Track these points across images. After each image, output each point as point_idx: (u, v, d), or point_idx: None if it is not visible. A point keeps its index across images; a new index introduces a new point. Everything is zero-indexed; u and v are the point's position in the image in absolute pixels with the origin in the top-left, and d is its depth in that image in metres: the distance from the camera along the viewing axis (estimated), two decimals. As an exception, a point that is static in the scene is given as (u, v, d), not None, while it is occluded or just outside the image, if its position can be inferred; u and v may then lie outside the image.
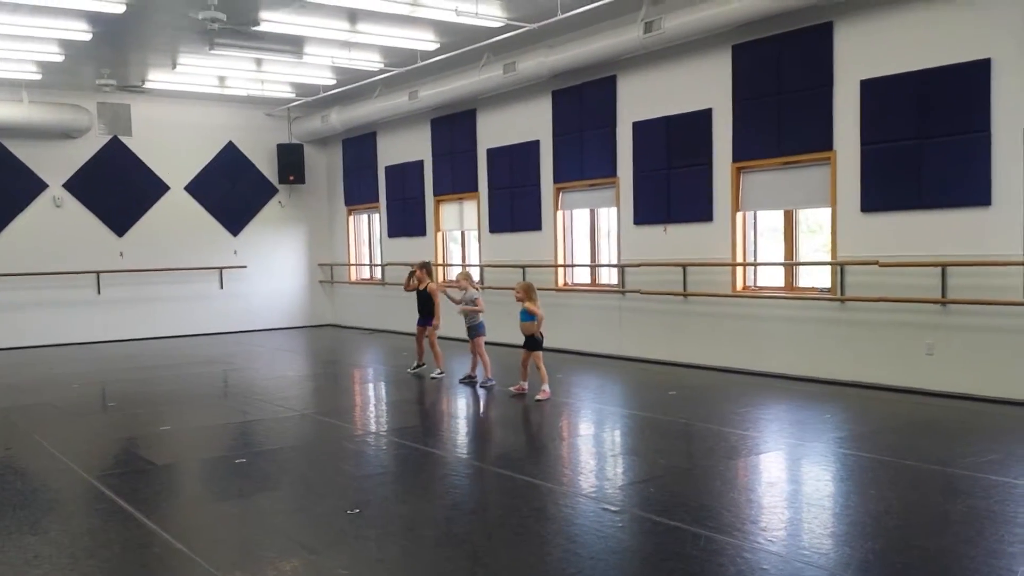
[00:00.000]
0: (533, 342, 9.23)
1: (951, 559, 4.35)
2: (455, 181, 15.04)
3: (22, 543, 4.88)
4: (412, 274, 11.11)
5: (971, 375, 8.48)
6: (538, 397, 8.96)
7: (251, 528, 5.18)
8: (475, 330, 10.06)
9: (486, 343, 10.16)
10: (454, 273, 15.66)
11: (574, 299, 12.88)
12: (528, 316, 9.19)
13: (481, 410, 9.05)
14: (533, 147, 13.32)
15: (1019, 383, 8.13)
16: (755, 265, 10.68)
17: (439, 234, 15.74)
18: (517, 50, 12.37)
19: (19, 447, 7.50)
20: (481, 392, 9.70)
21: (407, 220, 16.27)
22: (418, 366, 11.09)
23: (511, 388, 9.36)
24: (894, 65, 8.89)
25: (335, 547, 4.73)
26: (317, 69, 13.94)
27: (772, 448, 6.94)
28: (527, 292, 9.26)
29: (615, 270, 12.29)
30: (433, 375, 10.65)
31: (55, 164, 15.44)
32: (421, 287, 10.93)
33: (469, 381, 10.09)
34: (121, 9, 10.10)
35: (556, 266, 13.13)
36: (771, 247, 10.70)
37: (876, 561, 4.32)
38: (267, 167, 17.60)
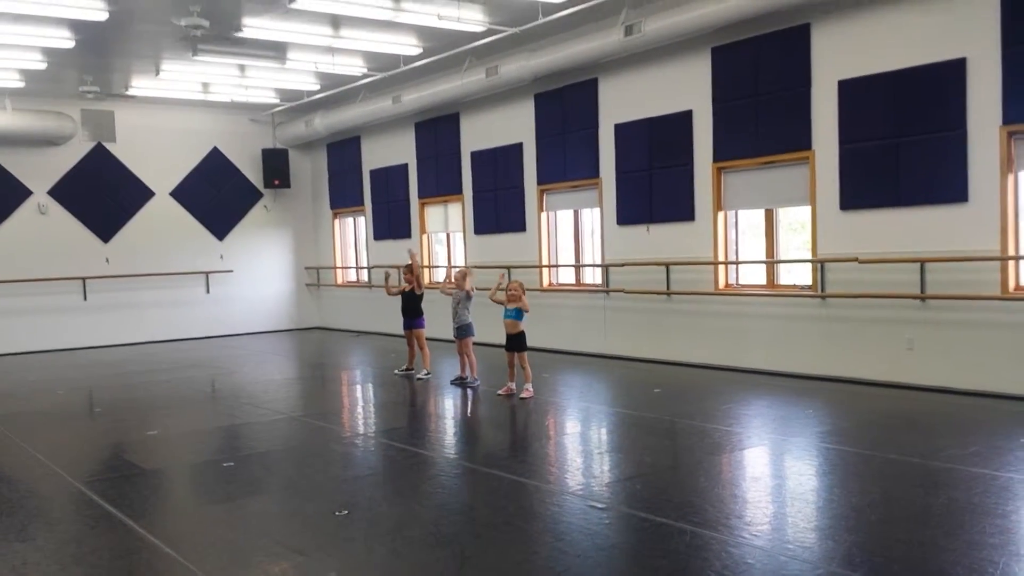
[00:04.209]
0: (519, 342, 9.25)
1: (933, 551, 4.42)
2: (439, 184, 15.08)
3: (9, 550, 4.88)
4: (387, 277, 11.23)
5: (950, 369, 8.59)
6: (522, 395, 9.01)
7: (240, 531, 5.20)
8: (463, 331, 10.08)
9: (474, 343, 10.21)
10: (440, 274, 15.72)
11: (559, 299, 12.94)
12: (512, 314, 9.20)
13: (468, 410, 9.09)
14: (516, 149, 13.38)
15: (997, 376, 8.24)
16: (737, 263, 10.77)
17: (424, 236, 15.77)
18: (499, 54, 12.43)
19: (5, 453, 7.48)
20: (468, 393, 9.73)
21: (392, 223, 16.30)
22: (407, 369, 11.11)
23: (499, 391, 9.38)
24: (871, 65, 8.99)
25: (324, 549, 4.76)
26: (301, 74, 13.95)
27: (756, 444, 7.01)
28: (523, 289, 9.29)
29: (599, 270, 12.36)
30: (419, 376, 10.67)
31: (39, 171, 15.39)
32: (409, 288, 10.93)
33: (460, 382, 10.11)
34: (104, 16, 10.10)
35: (541, 266, 13.19)
36: (752, 245, 10.79)
37: (859, 554, 4.38)
38: (252, 172, 17.59)
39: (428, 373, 10.69)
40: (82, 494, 6.03)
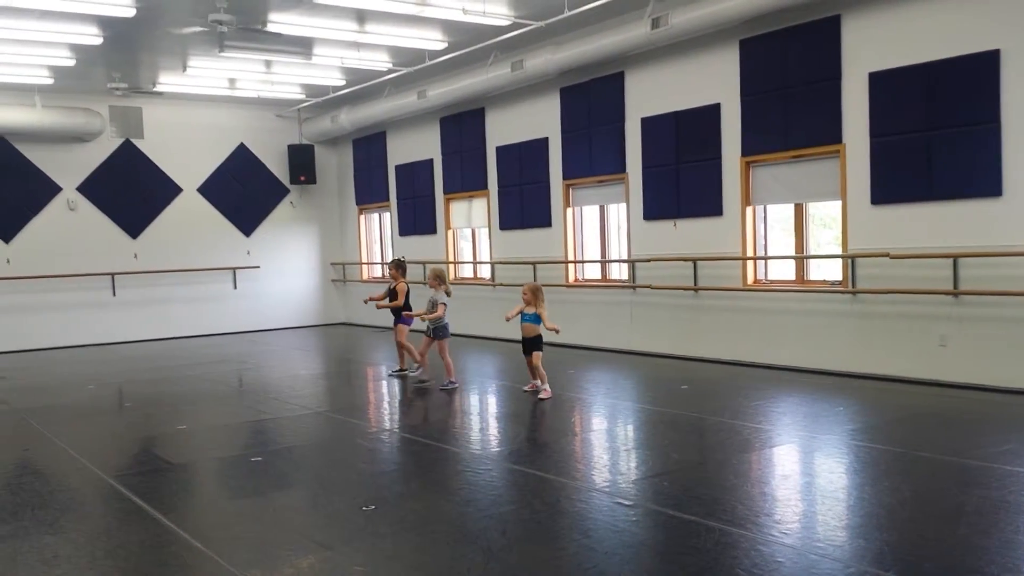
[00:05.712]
0: (534, 344, 9.02)
1: (966, 550, 4.35)
2: (465, 179, 15.07)
3: (41, 543, 4.93)
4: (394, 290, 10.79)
5: (984, 366, 8.45)
6: (540, 396, 8.92)
7: (268, 526, 5.22)
8: (440, 331, 9.82)
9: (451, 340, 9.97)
10: (466, 270, 15.71)
11: (585, 295, 12.90)
12: (530, 318, 8.97)
13: (494, 407, 9.08)
14: (542, 144, 13.34)
15: (1033, 374, 8.11)
16: (766, 259, 10.67)
17: (449, 232, 15.77)
18: (525, 48, 12.39)
19: (36, 448, 7.57)
20: (494, 389, 9.70)
21: (418, 218, 16.32)
22: (417, 367, 10.97)
23: (524, 388, 9.32)
24: (902, 57, 8.86)
25: (351, 544, 4.78)
26: (326, 70, 13.99)
27: (785, 441, 6.94)
28: (535, 295, 9.00)
29: (625, 265, 12.30)
30: (411, 372, 10.49)
31: (68, 167, 15.55)
32: (394, 286, 10.71)
33: (445, 386, 9.72)
34: (131, 13, 10.18)
35: (567, 262, 13.15)
36: (781, 241, 10.69)
37: (890, 553, 4.32)
38: (278, 168, 17.69)
39: (420, 368, 10.36)
40: (112, 488, 6.09)
